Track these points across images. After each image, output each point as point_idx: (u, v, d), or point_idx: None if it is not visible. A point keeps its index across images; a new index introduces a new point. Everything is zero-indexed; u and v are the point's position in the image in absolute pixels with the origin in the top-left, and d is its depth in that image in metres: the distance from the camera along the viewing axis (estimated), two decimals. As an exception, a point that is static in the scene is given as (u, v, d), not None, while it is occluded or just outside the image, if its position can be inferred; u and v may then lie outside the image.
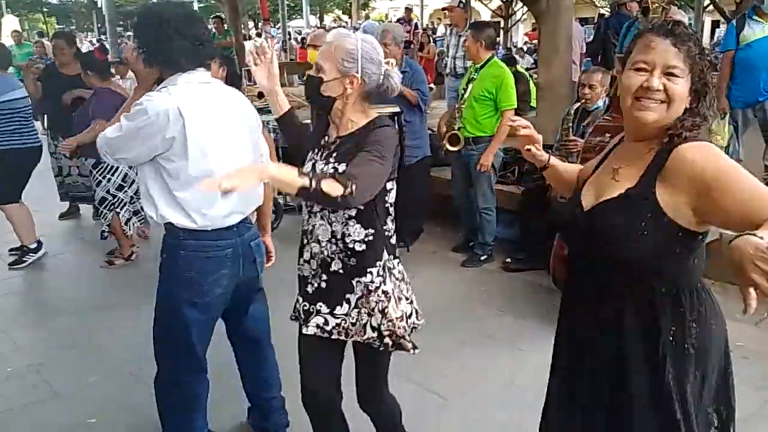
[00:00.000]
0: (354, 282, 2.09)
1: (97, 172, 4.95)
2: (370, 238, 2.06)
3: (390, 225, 2.14)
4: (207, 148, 2.30)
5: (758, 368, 3.31)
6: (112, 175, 4.94)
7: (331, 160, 2.06)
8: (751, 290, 1.15)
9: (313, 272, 2.15)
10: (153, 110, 2.22)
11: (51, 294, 4.77)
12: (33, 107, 5.35)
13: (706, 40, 23.16)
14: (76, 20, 31.88)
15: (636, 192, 1.55)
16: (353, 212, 2.04)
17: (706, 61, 1.53)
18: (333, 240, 2.08)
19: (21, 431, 3.03)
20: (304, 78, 2.38)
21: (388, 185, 2.10)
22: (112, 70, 9.03)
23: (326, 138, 2.15)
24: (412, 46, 13.10)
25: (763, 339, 3.61)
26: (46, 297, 4.70)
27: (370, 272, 2.07)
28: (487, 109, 4.71)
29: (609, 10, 18.54)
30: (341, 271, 2.09)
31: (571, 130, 4.45)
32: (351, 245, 2.06)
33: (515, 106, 4.72)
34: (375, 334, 2.09)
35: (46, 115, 5.59)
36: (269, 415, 2.86)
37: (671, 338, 1.59)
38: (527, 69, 10.22)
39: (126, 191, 5.02)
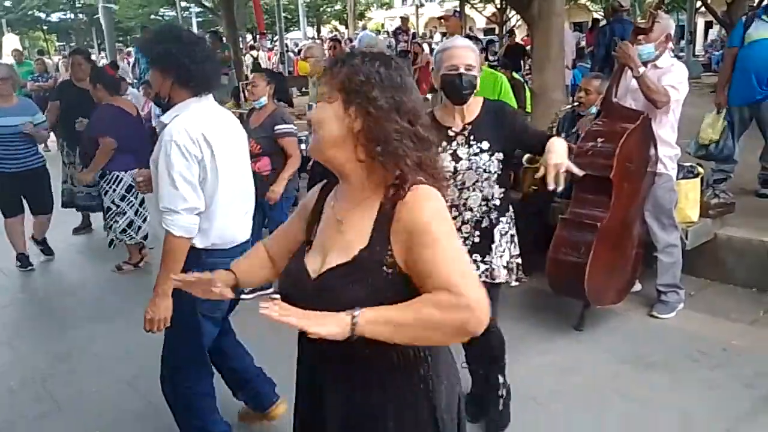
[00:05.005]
0: (494, 231, 2.68)
1: (104, 183, 5.08)
2: (503, 194, 2.70)
3: None
4: (225, 171, 2.41)
5: (750, 366, 3.34)
6: (117, 185, 5.06)
7: (472, 142, 2.60)
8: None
9: (466, 234, 2.67)
10: (184, 141, 2.28)
11: (54, 305, 4.83)
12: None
13: (699, 41, 23.25)
14: (76, 37, 32.07)
15: (370, 253, 1.38)
16: (495, 177, 2.62)
17: (368, 75, 1.39)
18: (484, 203, 2.66)
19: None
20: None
21: None
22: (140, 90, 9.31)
23: (451, 128, 2.64)
24: (409, 55, 13.19)
25: (755, 337, 3.66)
26: (49, 308, 4.76)
27: (501, 220, 2.70)
28: None
29: (603, 14, 18.62)
30: (488, 225, 2.68)
31: (555, 130, 4.49)
32: (494, 202, 2.67)
33: (517, 108, 4.81)
34: (506, 272, 2.72)
35: (58, 127, 5.96)
36: (263, 383, 3.00)
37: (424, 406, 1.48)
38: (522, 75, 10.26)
39: (130, 201, 5.13)
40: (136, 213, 5.20)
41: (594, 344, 3.69)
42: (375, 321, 1.26)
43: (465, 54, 2.59)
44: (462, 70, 2.54)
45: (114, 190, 5.07)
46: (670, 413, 3.00)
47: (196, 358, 2.61)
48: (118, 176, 5.04)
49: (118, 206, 5.11)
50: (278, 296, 1.29)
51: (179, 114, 2.36)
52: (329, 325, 1.24)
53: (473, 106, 2.65)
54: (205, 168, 2.35)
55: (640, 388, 3.21)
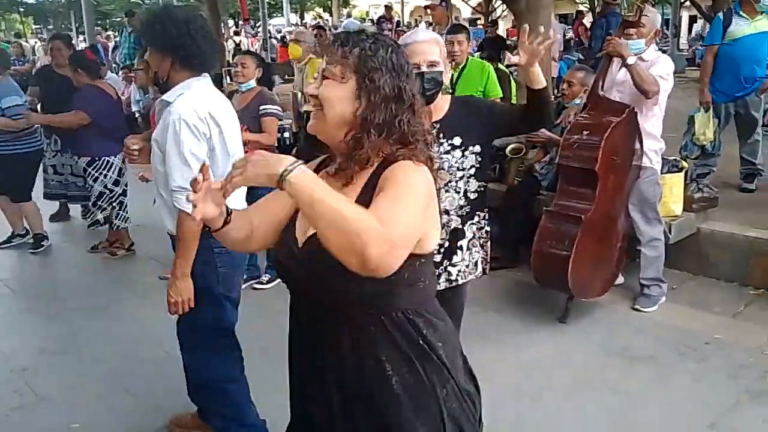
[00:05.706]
0: (466, 226, 2.51)
1: (92, 170, 5.08)
2: (481, 188, 2.52)
3: None
4: (230, 148, 2.44)
5: (734, 359, 3.38)
6: (108, 170, 5.11)
7: (442, 139, 2.41)
8: None
9: (441, 241, 2.43)
10: (193, 120, 2.27)
11: (36, 296, 4.74)
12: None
13: (684, 35, 23.42)
14: (53, 20, 31.51)
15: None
16: (473, 171, 2.46)
17: (381, 61, 1.42)
18: (460, 202, 2.48)
19: (4, 436, 3.02)
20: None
21: None
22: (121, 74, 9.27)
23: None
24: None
25: (738, 330, 3.69)
26: (30, 300, 4.67)
27: (478, 214, 2.54)
28: None
29: (588, 6, 18.62)
30: (460, 224, 2.50)
31: None
32: (470, 195, 2.49)
33: (501, 96, 4.79)
34: (479, 269, 2.60)
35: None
36: None
37: (417, 367, 1.47)
38: (507, 66, 10.23)
39: (121, 185, 5.22)
40: (125, 194, 5.30)
41: (579, 336, 3.70)
42: (305, 179, 1.22)
43: (428, 49, 2.36)
44: (424, 69, 2.32)
45: (105, 176, 5.12)
46: (656, 405, 3.02)
47: (224, 342, 2.61)
48: (108, 161, 5.10)
49: (112, 191, 5.16)
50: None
51: (184, 93, 2.34)
52: (262, 169, 1.24)
53: (441, 104, 2.47)
54: (213, 146, 2.36)
55: (625, 380, 3.23)
